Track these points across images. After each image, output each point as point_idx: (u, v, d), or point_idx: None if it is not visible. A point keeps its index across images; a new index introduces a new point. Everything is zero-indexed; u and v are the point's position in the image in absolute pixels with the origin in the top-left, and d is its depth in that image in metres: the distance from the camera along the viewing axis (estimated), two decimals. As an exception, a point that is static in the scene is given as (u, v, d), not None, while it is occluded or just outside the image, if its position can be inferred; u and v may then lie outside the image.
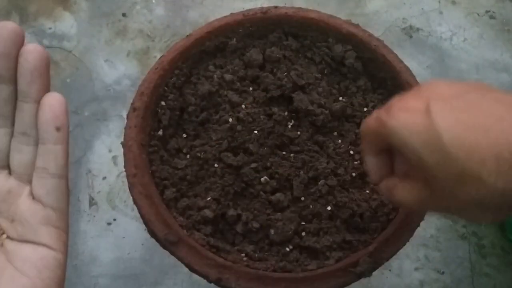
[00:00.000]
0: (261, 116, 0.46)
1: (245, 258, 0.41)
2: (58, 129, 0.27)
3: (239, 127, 0.46)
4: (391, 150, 0.36)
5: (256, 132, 0.46)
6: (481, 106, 0.28)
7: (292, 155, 0.46)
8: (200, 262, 0.39)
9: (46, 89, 0.28)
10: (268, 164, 0.45)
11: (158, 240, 0.40)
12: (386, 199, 0.40)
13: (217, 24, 0.51)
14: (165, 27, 1.20)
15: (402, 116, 0.30)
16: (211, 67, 0.51)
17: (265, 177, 0.45)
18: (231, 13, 0.52)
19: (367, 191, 0.47)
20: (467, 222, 0.96)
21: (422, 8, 1.22)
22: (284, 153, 0.46)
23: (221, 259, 0.39)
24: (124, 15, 1.22)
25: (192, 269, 0.40)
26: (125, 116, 0.49)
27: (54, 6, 1.23)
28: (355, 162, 0.47)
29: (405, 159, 0.32)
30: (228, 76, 0.49)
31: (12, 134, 0.29)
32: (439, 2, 1.23)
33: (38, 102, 0.28)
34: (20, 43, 0.27)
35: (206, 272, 0.39)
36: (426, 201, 0.32)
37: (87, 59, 1.15)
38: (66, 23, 1.21)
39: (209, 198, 0.43)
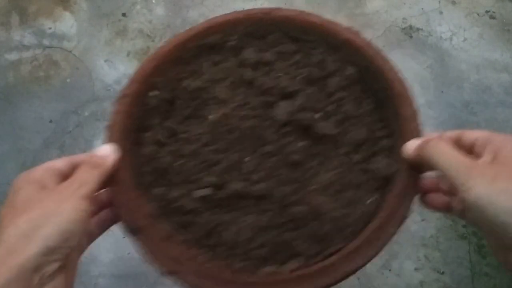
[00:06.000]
0: (250, 120, 0.46)
1: (203, 256, 0.41)
2: None
3: (220, 125, 0.46)
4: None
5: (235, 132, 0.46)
6: None
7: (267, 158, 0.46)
8: (156, 252, 0.39)
9: None
10: (246, 166, 0.45)
11: (122, 225, 0.40)
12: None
13: (218, 20, 0.51)
14: (165, 27, 1.20)
15: None
16: (206, 63, 0.51)
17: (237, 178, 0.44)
18: (233, 11, 0.52)
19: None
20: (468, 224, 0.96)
21: (422, 8, 1.22)
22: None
23: (178, 253, 0.39)
24: (124, 15, 1.22)
25: (148, 259, 0.40)
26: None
27: (54, 6, 1.23)
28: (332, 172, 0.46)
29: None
30: (220, 74, 0.49)
31: None
32: (439, 2, 1.23)
33: None
34: None
35: (161, 263, 0.39)
36: None
37: (87, 59, 1.15)
38: (66, 23, 1.21)
39: (183, 191, 0.43)
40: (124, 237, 0.94)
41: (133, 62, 1.15)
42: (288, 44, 0.52)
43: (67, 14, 1.22)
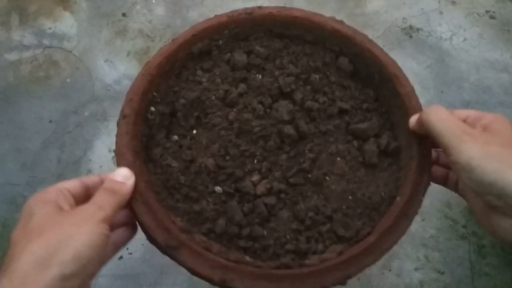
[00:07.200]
0: (253, 122, 0.46)
1: (247, 258, 0.40)
2: None
3: (228, 132, 0.46)
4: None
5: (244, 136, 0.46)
6: None
7: (285, 155, 0.46)
8: (203, 264, 0.39)
9: None
10: (262, 166, 0.45)
11: (158, 246, 0.40)
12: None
13: (202, 26, 0.50)
14: (165, 27, 1.20)
15: None
16: (199, 72, 0.51)
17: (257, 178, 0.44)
18: (215, 15, 0.51)
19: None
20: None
21: (422, 8, 1.22)
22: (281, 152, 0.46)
23: (224, 260, 0.39)
24: (124, 15, 1.22)
25: (195, 273, 0.39)
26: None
27: (54, 6, 1.23)
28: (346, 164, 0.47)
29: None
30: (215, 81, 0.49)
31: None
32: (439, 2, 1.23)
33: None
34: None
35: (209, 274, 0.39)
36: None
37: (87, 59, 1.15)
38: (66, 23, 1.21)
39: (204, 202, 0.43)
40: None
41: (133, 62, 1.15)
42: (274, 42, 0.52)
43: (67, 14, 1.22)
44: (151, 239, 0.40)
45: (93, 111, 1.08)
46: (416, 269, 0.90)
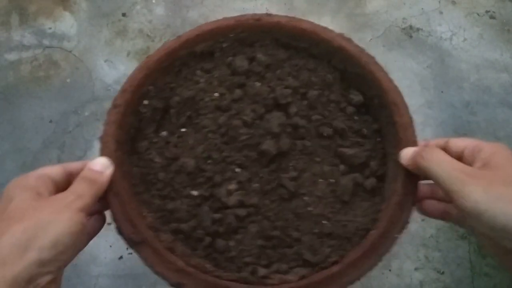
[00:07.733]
0: (241, 129, 0.46)
1: (208, 265, 0.40)
2: None
3: (215, 135, 0.46)
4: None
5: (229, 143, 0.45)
6: None
7: (267, 169, 0.45)
8: (162, 264, 0.39)
9: None
10: (243, 179, 0.44)
11: (124, 238, 0.40)
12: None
13: (208, 27, 0.50)
14: (165, 27, 1.20)
15: None
16: (198, 72, 0.51)
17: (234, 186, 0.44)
18: (224, 17, 0.51)
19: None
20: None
21: (422, 8, 1.22)
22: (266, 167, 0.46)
23: (184, 264, 0.39)
24: (124, 15, 1.22)
25: (154, 271, 0.40)
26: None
27: (54, 6, 1.23)
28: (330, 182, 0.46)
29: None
30: (213, 83, 0.49)
31: None
32: (439, 2, 1.23)
33: None
34: None
35: (167, 275, 0.39)
36: None
37: (87, 59, 1.15)
38: (66, 23, 1.21)
39: (178, 202, 0.43)
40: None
41: (133, 62, 1.15)
42: (279, 51, 0.51)
43: (67, 14, 1.22)
44: (118, 230, 0.40)
45: (93, 111, 1.08)
46: (416, 269, 0.90)
